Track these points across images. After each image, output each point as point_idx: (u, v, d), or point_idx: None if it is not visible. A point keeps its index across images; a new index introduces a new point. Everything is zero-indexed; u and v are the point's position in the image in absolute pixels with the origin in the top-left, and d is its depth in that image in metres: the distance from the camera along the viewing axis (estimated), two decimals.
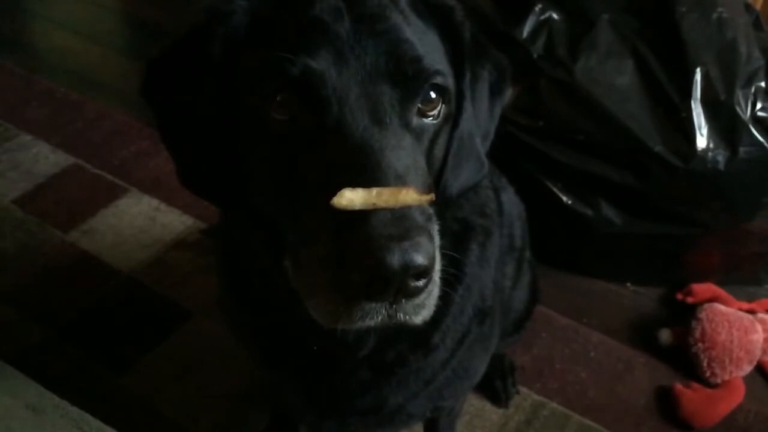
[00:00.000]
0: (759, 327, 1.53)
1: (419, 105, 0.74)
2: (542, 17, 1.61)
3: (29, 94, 2.28)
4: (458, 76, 0.81)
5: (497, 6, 1.66)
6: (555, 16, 1.61)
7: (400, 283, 0.63)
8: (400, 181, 0.66)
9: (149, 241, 1.79)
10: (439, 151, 0.79)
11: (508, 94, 0.93)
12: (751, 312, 1.59)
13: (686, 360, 1.54)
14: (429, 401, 1.01)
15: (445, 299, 0.89)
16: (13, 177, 1.97)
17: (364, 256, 0.61)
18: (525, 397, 1.49)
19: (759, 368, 1.55)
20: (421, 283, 0.65)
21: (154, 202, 1.89)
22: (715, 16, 1.57)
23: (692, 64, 1.51)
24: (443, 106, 0.78)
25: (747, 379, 1.52)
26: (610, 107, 1.52)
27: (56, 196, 1.91)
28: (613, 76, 1.55)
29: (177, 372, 1.51)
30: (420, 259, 0.62)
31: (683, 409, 1.46)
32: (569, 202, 1.61)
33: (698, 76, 1.51)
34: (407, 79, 0.72)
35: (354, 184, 0.63)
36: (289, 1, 0.76)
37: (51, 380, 1.48)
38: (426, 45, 0.76)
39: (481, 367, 1.08)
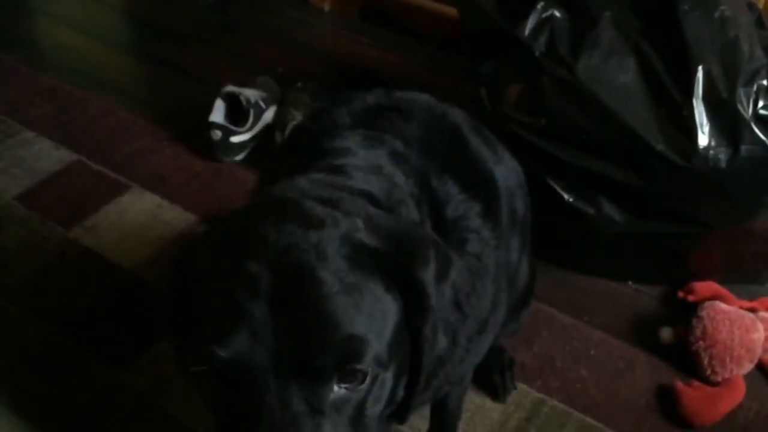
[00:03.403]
0: (760, 325, 1.53)
1: (339, 383, 0.70)
2: (544, 15, 1.61)
3: (32, 91, 2.28)
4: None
5: (499, 3, 1.66)
6: (557, 14, 1.61)
7: None
8: None
9: (151, 238, 1.79)
10: (376, 406, 0.75)
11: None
12: (753, 310, 1.58)
13: (687, 358, 1.54)
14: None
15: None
16: (15, 173, 1.97)
17: None
18: (525, 394, 1.50)
19: (760, 367, 1.55)
20: None
21: (156, 198, 1.89)
22: (717, 14, 1.56)
23: (694, 63, 1.51)
24: (372, 371, 0.71)
25: (748, 377, 1.52)
26: (612, 105, 1.52)
27: (59, 193, 1.92)
28: (615, 75, 1.55)
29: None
30: None
31: (684, 407, 1.46)
32: (571, 200, 1.61)
33: (700, 75, 1.50)
34: (314, 369, 0.68)
35: None
36: (213, 279, 0.73)
37: (52, 376, 1.49)
38: (357, 311, 0.70)
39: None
